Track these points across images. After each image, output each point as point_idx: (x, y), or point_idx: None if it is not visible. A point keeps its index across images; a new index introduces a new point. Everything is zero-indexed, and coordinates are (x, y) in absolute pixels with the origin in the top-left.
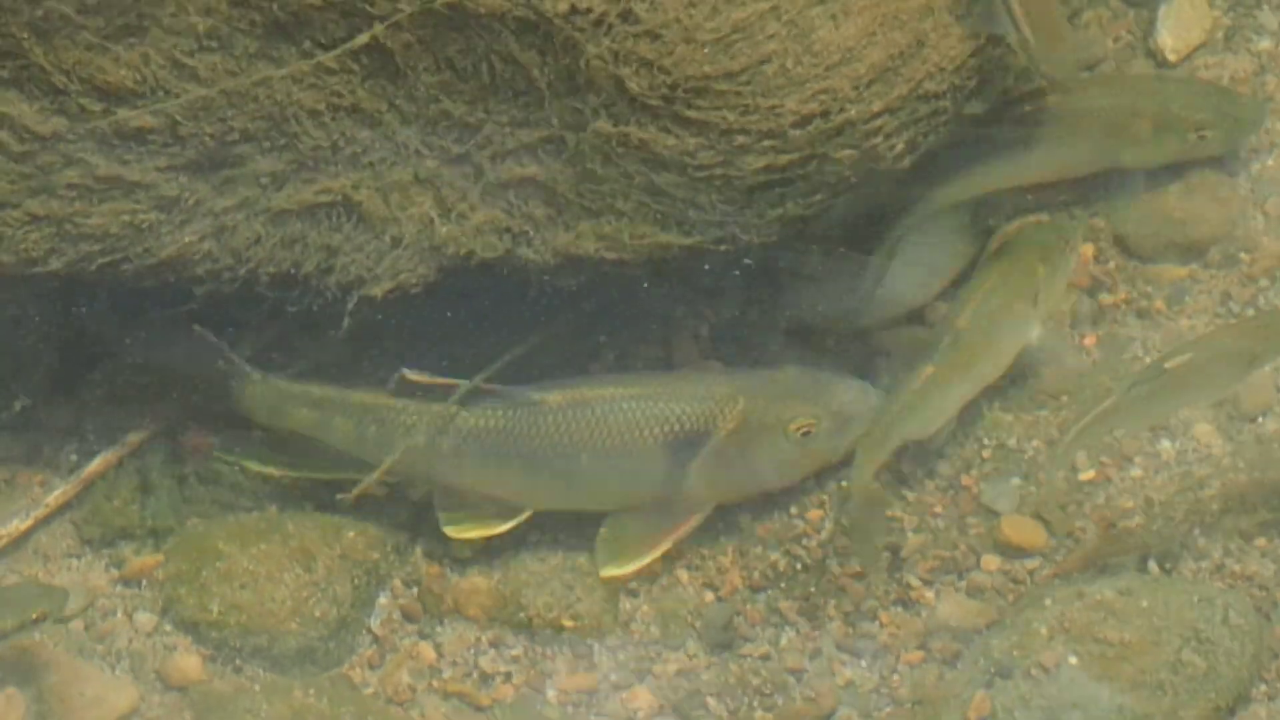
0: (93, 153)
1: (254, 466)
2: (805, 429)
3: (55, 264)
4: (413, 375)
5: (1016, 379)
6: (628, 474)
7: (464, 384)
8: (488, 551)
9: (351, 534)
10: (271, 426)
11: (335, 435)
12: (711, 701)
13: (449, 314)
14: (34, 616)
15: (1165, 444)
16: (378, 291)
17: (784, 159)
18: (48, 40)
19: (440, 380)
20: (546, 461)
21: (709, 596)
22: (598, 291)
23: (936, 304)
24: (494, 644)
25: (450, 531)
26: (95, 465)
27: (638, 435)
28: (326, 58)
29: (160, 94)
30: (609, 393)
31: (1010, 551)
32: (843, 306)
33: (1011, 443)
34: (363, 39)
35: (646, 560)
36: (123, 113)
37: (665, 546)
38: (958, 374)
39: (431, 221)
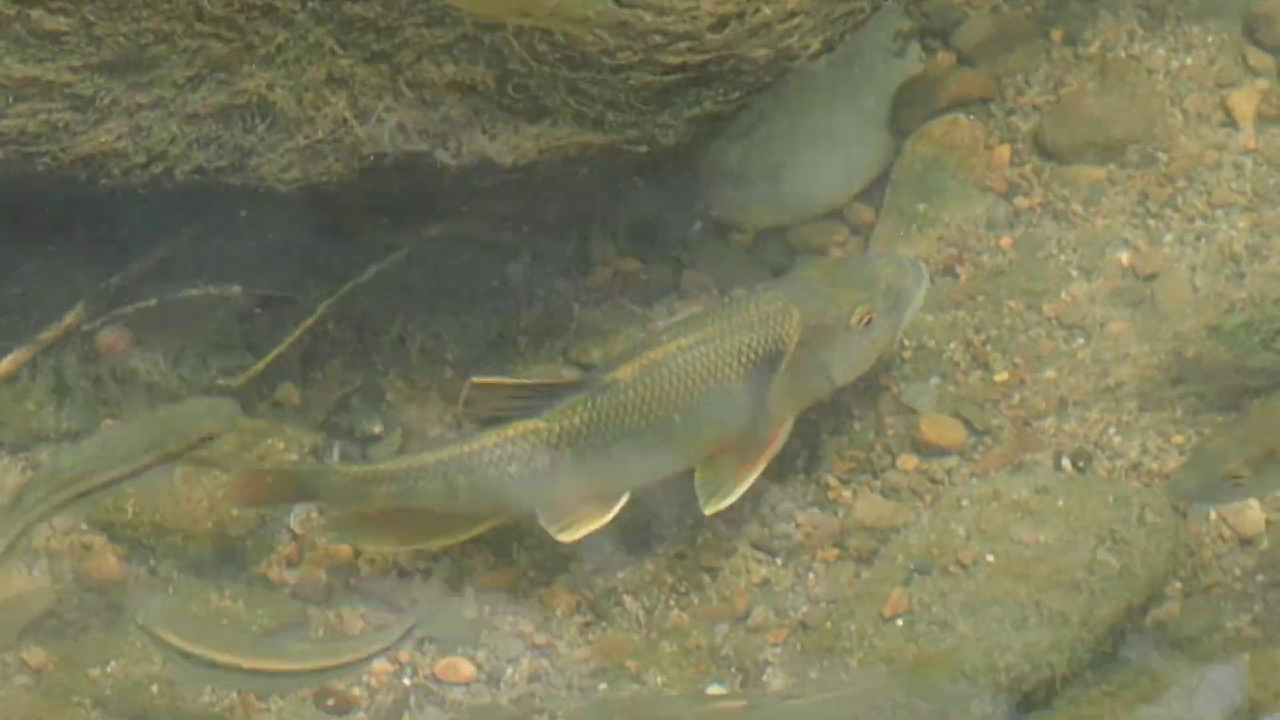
0: (7, 53)
1: (370, 547)
2: (866, 317)
3: None
4: (481, 380)
5: (935, 277)
6: (720, 417)
7: (534, 381)
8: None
9: (270, 437)
10: (358, 507)
11: (424, 499)
12: (628, 599)
13: (361, 213)
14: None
15: (1080, 343)
16: (287, 187)
17: (699, 59)
18: None
19: (509, 381)
20: (642, 434)
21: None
22: (512, 190)
23: (854, 204)
24: None
25: (564, 536)
26: (5, 364)
27: (719, 378)
28: None
29: None
30: (674, 348)
31: (928, 450)
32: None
33: (931, 344)
34: None
35: (746, 486)
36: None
37: (761, 468)
38: None
39: (346, 121)
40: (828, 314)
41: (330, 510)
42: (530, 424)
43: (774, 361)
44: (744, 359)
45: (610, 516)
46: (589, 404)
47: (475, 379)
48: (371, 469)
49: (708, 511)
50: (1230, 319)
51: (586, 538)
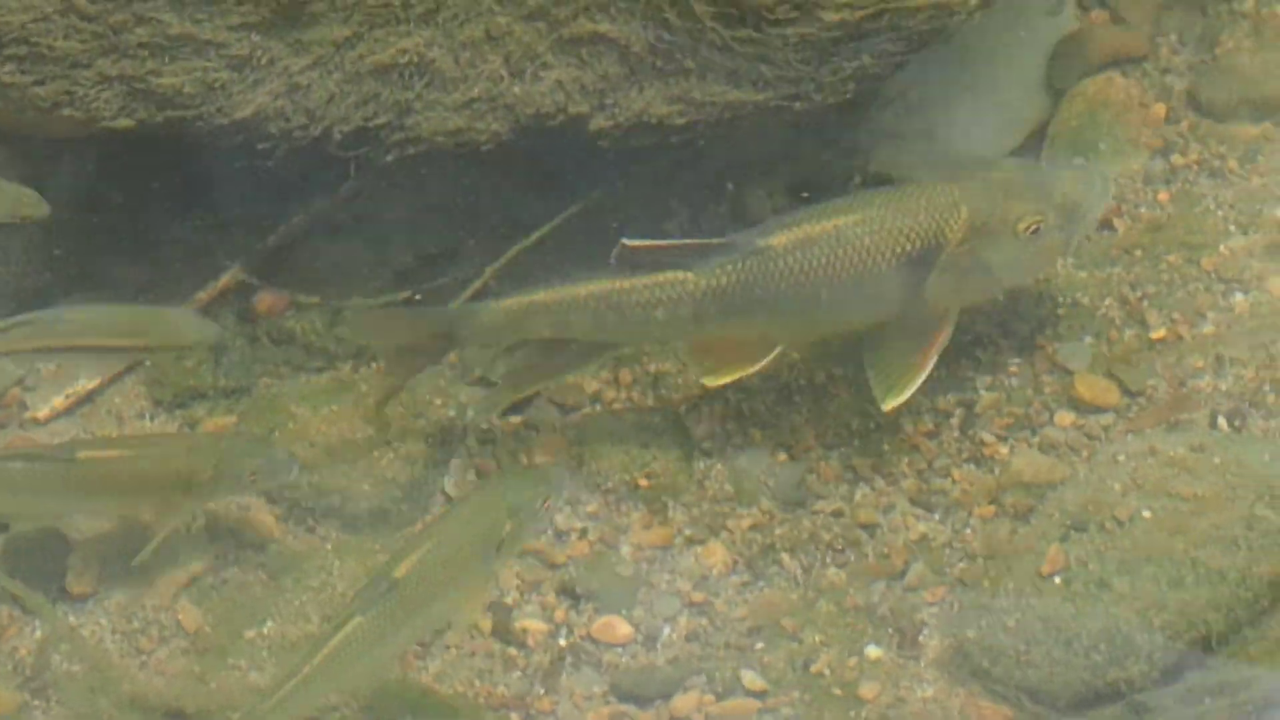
0: (164, 11)
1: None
2: (1033, 227)
3: (125, 122)
4: (632, 243)
5: (1091, 234)
6: (868, 300)
7: (686, 243)
8: (563, 411)
9: (426, 393)
10: (514, 341)
11: (576, 331)
12: (785, 557)
13: (519, 172)
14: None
15: (1239, 297)
16: (448, 146)
17: (859, 14)
18: None
19: (661, 244)
20: (786, 305)
21: (782, 456)
22: (670, 150)
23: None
24: (569, 501)
25: (708, 381)
26: None
27: (871, 263)
28: None
29: None
30: (831, 226)
31: (1084, 408)
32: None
33: (1085, 301)
34: None
35: (920, 380)
36: None
37: (931, 362)
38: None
39: (503, 79)
40: (994, 218)
41: (474, 353)
42: (679, 274)
43: (931, 255)
44: (900, 248)
45: (758, 366)
46: (739, 265)
47: (626, 240)
48: (528, 299)
49: (885, 407)
50: None
51: (731, 384)
